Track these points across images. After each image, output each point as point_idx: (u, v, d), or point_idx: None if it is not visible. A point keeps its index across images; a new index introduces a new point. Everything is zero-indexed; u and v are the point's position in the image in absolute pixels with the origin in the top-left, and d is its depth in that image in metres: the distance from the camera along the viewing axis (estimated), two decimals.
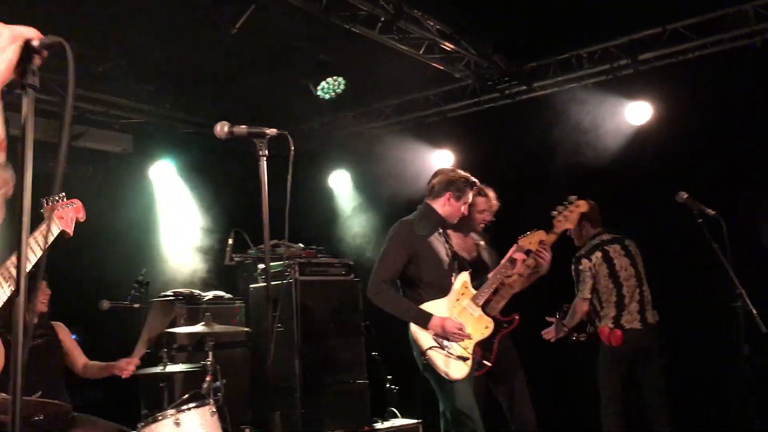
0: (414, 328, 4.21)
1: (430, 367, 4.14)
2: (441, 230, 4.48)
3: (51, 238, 2.54)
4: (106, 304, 4.95)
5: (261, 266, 6.15)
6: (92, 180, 6.81)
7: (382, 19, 5.73)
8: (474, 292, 4.36)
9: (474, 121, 7.51)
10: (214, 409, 4.36)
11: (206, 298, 6.33)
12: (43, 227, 2.42)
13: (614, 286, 5.21)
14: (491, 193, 4.93)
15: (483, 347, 4.56)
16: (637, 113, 6.48)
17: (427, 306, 4.22)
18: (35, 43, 1.57)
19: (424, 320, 4.12)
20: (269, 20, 5.56)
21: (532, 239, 4.53)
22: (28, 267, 2.27)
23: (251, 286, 6.41)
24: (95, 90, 6.76)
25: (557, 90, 6.92)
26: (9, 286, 2.40)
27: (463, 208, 4.42)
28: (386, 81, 7.08)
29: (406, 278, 4.35)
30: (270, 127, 2.81)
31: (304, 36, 5.93)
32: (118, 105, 7.05)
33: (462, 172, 4.45)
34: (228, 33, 5.38)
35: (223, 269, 6.78)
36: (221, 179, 7.68)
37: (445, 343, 4.15)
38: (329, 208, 8.40)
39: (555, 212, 4.61)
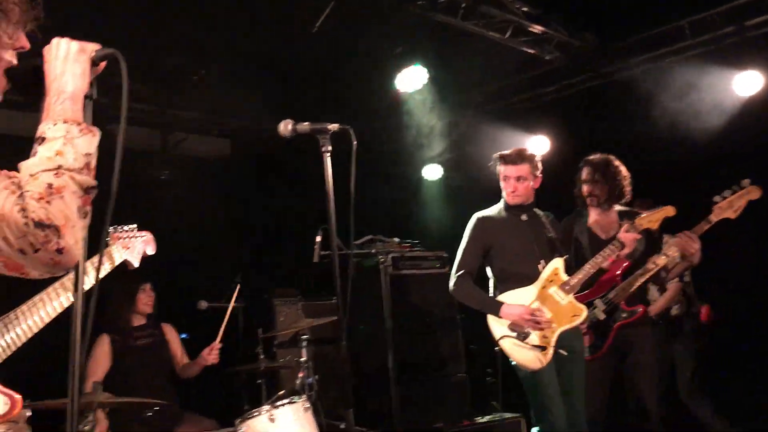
0: (489, 319, 4.17)
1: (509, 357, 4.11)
2: (526, 216, 4.33)
3: (108, 266, 2.49)
4: (204, 304, 5.14)
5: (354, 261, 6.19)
6: (192, 185, 7.07)
7: (463, 5, 5.61)
8: (565, 278, 4.17)
9: (569, 104, 7.24)
10: (308, 405, 4.41)
11: (303, 294, 6.44)
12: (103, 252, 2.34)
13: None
14: (602, 163, 4.61)
15: (597, 333, 4.45)
16: (746, 84, 6.02)
17: (508, 295, 4.14)
18: (93, 55, 1.65)
19: (495, 309, 4.08)
20: (350, 15, 5.56)
21: (652, 217, 4.17)
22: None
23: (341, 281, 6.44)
24: (192, 97, 7.01)
25: (656, 65, 6.53)
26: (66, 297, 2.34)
27: (504, 184, 4.27)
28: (473, 68, 6.93)
29: (491, 270, 4.32)
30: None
31: (386, 29, 5.90)
32: (215, 111, 7.27)
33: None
34: (309, 31, 5.43)
35: (318, 266, 6.88)
36: (316, 178, 7.78)
37: (522, 331, 4.04)
38: (423, 201, 8.33)
39: (718, 198, 4.18)
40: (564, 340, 4.08)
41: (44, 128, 1.51)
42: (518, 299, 4.10)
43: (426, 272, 6.16)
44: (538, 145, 7.38)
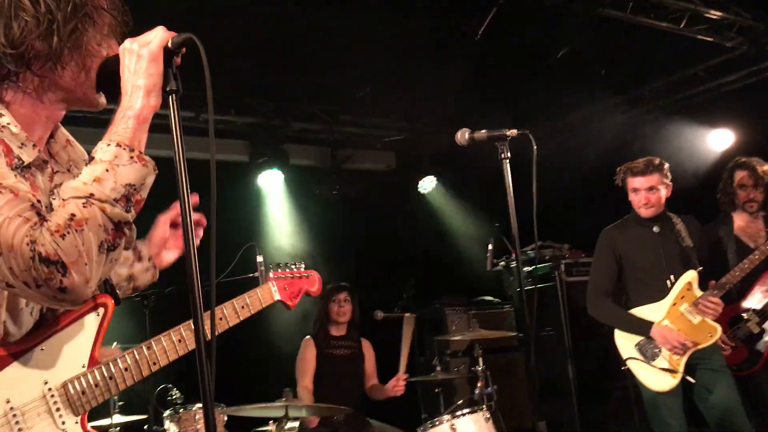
0: (617, 338, 4.05)
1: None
2: (657, 228, 4.09)
3: (256, 307, 2.25)
4: (379, 314, 5.23)
5: (526, 269, 6.07)
6: (361, 197, 7.27)
7: None
8: (699, 293, 3.90)
9: (756, 93, 6.65)
10: (488, 415, 4.37)
11: (475, 303, 6.41)
12: (251, 292, 2.28)
13: None
14: (759, 166, 4.34)
15: (751, 348, 4.21)
16: None
17: (637, 312, 4.00)
18: (170, 44, 1.46)
19: (644, 330, 3.91)
20: (512, 21, 5.47)
21: None
22: (220, 330, 2.09)
23: (518, 289, 6.34)
24: (357, 114, 7.23)
25: None
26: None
27: (634, 197, 4.08)
28: (646, 62, 6.58)
29: (621, 285, 4.17)
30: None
31: (551, 31, 5.75)
32: (378, 125, 7.45)
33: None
34: (472, 40, 5.41)
35: (492, 274, 6.83)
36: (483, 185, 7.72)
37: (650, 353, 3.89)
38: (599, 204, 7.99)
39: None
40: (698, 358, 3.87)
41: (98, 147, 1.42)
42: (645, 317, 3.95)
43: None
44: (721, 138, 6.88)
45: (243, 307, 2.21)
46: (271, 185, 6.76)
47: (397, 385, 4.87)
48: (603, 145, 7.56)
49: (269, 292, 2.44)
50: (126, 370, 1.77)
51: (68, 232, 1.29)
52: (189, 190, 1.40)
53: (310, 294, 2.65)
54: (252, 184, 6.72)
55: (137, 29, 1.55)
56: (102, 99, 1.60)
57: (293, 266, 2.63)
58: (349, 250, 6.83)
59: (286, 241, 6.78)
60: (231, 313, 2.16)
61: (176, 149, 1.39)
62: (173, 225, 2.02)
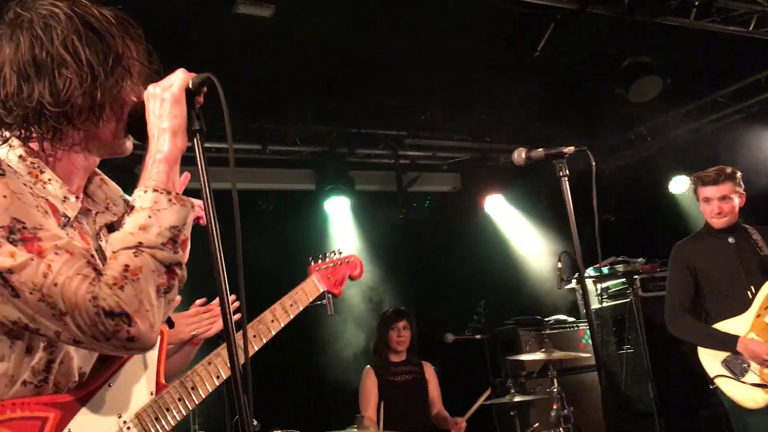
0: (701, 355, 3.87)
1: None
2: (733, 238, 3.95)
3: (304, 302, 2.32)
4: (450, 337, 5.18)
5: (600, 286, 5.92)
6: (427, 219, 7.26)
7: (697, 3, 5.20)
8: None
9: None
10: None
11: (549, 323, 6.27)
12: (296, 289, 2.35)
13: None
14: None
15: None
16: None
17: (720, 327, 3.82)
18: (191, 85, 1.50)
19: (730, 344, 3.73)
20: (572, 35, 5.41)
21: None
22: (274, 331, 2.17)
23: (593, 307, 6.18)
24: (422, 137, 7.25)
25: None
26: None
27: (705, 207, 3.96)
28: (716, 68, 6.37)
29: (699, 301, 4.01)
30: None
31: (612, 42, 5.65)
32: (443, 147, 7.46)
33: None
34: (531, 56, 5.36)
35: (566, 293, 6.70)
36: (552, 202, 7.60)
37: (739, 368, 3.70)
38: (674, 217, 7.75)
39: None
40: None
41: (136, 195, 1.46)
42: (729, 332, 3.77)
43: None
44: None
45: (291, 305, 2.27)
46: (338, 211, 6.84)
47: (455, 428, 4.74)
48: (676, 155, 7.35)
49: (313, 285, 2.48)
50: (193, 389, 1.83)
51: (126, 283, 1.33)
52: (218, 224, 1.43)
53: (353, 278, 2.71)
54: (319, 211, 6.82)
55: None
56: (129, 144, 1.63)
57: (332, 254, 2.67)
58: (416, 272, 6.83)
59: None
60: (281, 313, 2.22)
61: (203, 185, 1.43)
62: None
